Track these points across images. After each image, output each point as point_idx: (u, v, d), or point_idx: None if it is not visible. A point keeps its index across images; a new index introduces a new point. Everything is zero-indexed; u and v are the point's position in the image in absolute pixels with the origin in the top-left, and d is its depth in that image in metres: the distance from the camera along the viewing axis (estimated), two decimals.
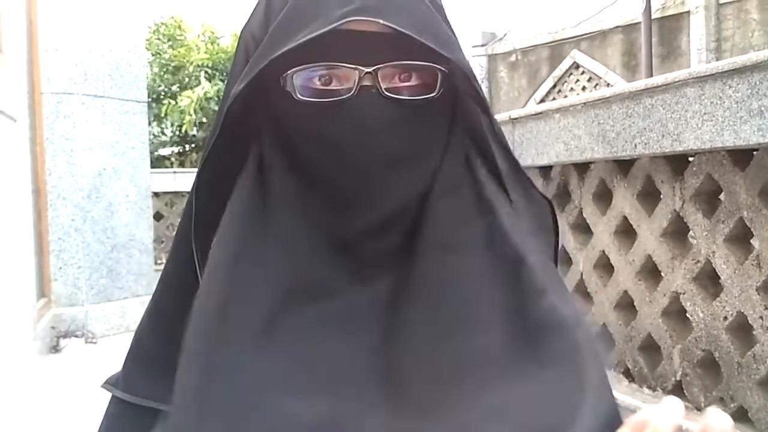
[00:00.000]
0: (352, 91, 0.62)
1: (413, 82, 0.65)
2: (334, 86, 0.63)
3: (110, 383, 0.74)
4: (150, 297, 0.75)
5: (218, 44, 13.58)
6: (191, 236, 0.67)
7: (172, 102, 12.72)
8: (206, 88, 12.47)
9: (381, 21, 0.60)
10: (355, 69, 0.62)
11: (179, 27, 13.86)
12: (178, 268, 0.69)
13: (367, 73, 0.62)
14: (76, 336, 4.99)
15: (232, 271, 0.61)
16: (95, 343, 4.96)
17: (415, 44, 0.63)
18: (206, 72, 12.96)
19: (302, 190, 0.64)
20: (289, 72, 0.62)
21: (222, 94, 0.72)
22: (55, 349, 4.83)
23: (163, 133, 13.96)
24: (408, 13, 0.62)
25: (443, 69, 0.65)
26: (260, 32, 0.66)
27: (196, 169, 0.73)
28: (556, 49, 12.33)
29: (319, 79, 0.63)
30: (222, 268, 0.62)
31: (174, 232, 0.76)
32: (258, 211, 0.64)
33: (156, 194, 6.30)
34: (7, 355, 3.49)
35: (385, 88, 0.63)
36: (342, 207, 0.64)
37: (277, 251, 0.63)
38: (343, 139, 0.63)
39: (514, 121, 3.13)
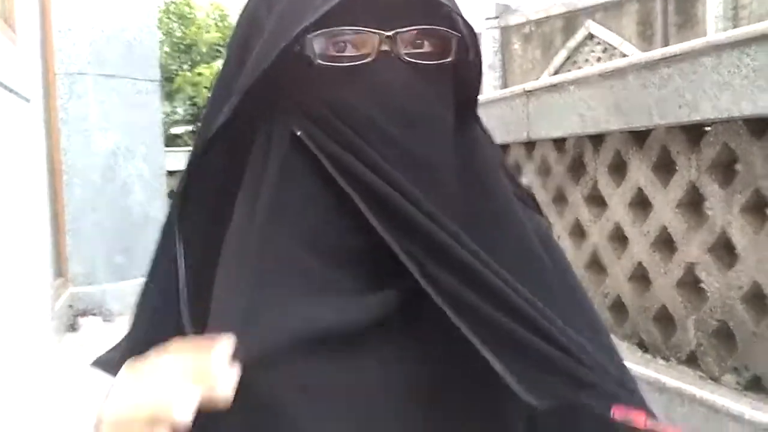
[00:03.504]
0: (371, 56, 0.62)
1: (426, 48, 0.65)
2: (349, 53, 0.63)
3: (107, 364, 0.70)
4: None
5: (228, 22, 13.53)
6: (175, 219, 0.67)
7: (187, 74, 12.69)
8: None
9: None
10: (375, 33, 0.62)
11: (188, 5, 13.82)
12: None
13: (387, 37, 0.62)
14: (94, 315, 5.04)
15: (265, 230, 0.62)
16: (112, 321, 5.01)
17: (429, 10, 0.64)
18: (218, 50, 12.93)
19: (326, 166, 0.63)
20: (309, 36, 0.61)
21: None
22: (73, 327, 4.89)
23: (175, 112, 13.97)
24: None
25: (458, 34, 0.66)
26: (265, 14, 0.65)
27: None
28: (571, 20, 12.18)
29: (334, 46, 0.63)
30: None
31: None
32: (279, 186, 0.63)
33: (170, 173, 6.30)
34: (25, 335, 3.54)
35: (405, 53, 0.63)
36: (367, 176, 0.62)
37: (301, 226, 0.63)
38: (364, 104, 0.63)
39: (528, 93, 3.11)
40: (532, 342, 0.58)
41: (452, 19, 0.66)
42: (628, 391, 0.60)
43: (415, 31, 0.63)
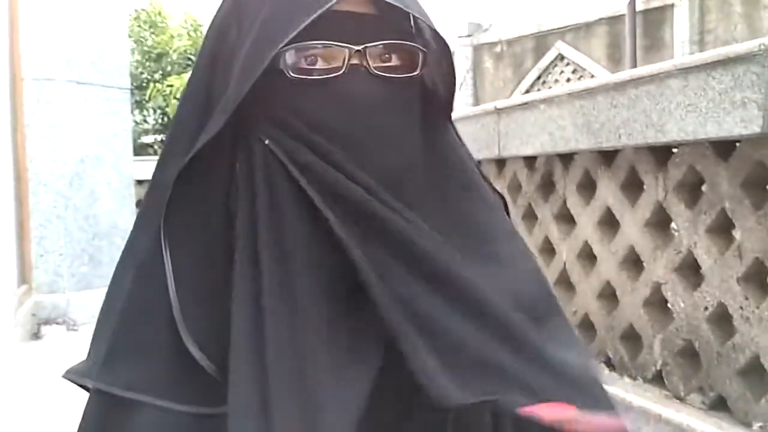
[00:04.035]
0: (341, 70, 0.64)
1: (394, 62, 0.68)
2: (319, 66, 0.65)
3: (81, 374, 0.70)
4: None
5: (200, 31, 13.46)
6: (160, 229, 0.67)
7: (159, 85, 12.59)
8: None
9: None
10: (345, 47, 0.64)
11: (159, 14, 13.74)
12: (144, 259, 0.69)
13: (356, 51, 0.64)
14: (58, 323, 4.96)
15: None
16: (76, 330, 4.93)
17: (397, 26, 0.67)
18: (189, 59, 12.86)
19: (300, 176, 0.64)
20: (283, 50, 0.63)
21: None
22: (37, 336, 4.80)
23: (145, 121, 13.85)
24: None
25: (424, 50, 0.69)
26: (234, 31, 0.67)
27: None
28: (541, 41, 12.34)
29: (306, 59, 0.65)
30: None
31: None
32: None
33: (139, 182, 6.23)
34: None
35: (373, 67, 0.65)
36: (339, 188, 0.64)
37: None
38: (334, 115, 0.65)
39: (499, 111, 3.13)
40: (475, 344, 0.61)
41: (422, 33, 0.69)
42: (570, 380, 0.62)
43: (384, 46, 0.66)
